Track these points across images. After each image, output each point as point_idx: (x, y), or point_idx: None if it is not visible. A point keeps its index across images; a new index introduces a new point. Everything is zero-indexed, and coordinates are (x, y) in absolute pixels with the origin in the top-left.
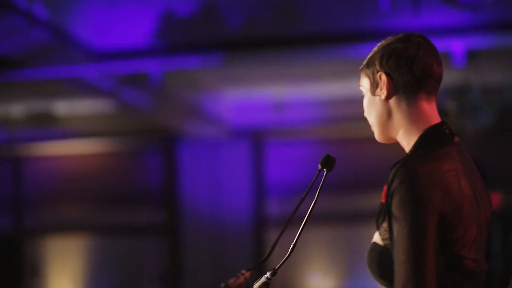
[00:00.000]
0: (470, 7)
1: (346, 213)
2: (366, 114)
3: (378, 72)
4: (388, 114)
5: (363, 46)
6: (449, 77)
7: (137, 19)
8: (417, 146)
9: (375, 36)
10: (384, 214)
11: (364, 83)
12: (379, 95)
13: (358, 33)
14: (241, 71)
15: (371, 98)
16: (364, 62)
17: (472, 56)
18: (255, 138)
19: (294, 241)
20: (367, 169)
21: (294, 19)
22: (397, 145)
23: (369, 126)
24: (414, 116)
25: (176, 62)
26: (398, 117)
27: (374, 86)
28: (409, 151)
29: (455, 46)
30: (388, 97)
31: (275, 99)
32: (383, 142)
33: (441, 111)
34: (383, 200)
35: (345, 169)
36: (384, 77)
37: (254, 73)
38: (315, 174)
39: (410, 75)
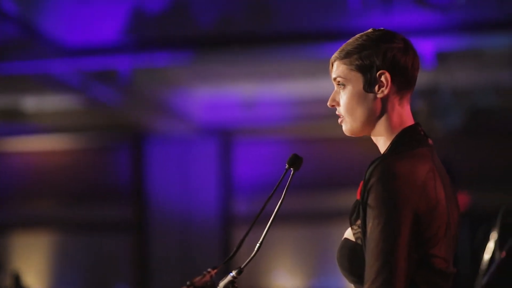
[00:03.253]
0: (440, 8)
1: (312, 213)
2: (346, 108)
3: (379, 69)
4: (379, 112)
5: (334, 45)
6: (419, 78)
7: (107, 15)
8: (393, 145)
9: (345, 35)
10: (358, 210)
11: (352, 77)
12: (375, 93)
13: (329, 32)
14: (211, 69)
15: (362, 94)
16: (351, 53)
17: (442, 57)
18: (224, 136)
19: (261, 240)
20: (336, 169)
21: (265, 18)
22: (367, 146)
23: (339, 125)
24: (398, 116)
25: (146, 58)
26: (386, 116)
27: (371, 82)
28: (385, 150)
29: (425, 47)
30: (386, 96)
31: (245, 97)
32: (353, 135)
33: (411, 112)
34: (358, 197)
35: (314, 168)
36: (388, 76)
37: (224, 71)
38: (283, 173)
39: (407, 77)
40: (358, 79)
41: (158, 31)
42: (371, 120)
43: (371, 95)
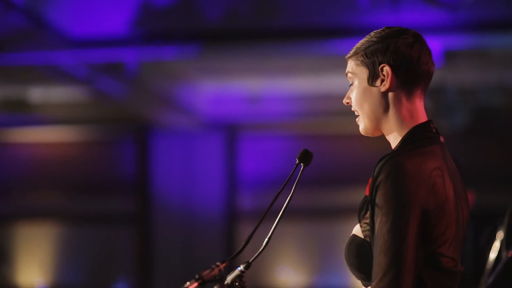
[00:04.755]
0: (449, 7)
1: (317, 209)
2: (356, 103)
3: (381, 63)
4: (385, 107)
5: (341, 41)
6: None
7: (115, 7)
8: (404, 141)
9: (353, 32)
10: (367, 207)
11: (358, 72)
12: (378, 87)
13: (337, 28)
14: (217, 63)
15: (367, 89)
16: (358, 50)
17: (449, 56)
18: (230, 130)
19: (269, 235)
20: (340, 165)
21: (272, 13)
22: (372, 142)
23: (344, 122)
24: (407, 112)
25: (153, 52)
26: (393, 111)
27: (374, 76)
28: (396, 146)
29: (433, 45)
30: (388, 90)
31: (250, 92)
32: (367, 134)
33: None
34: (367, 193)
35: (318, 164)
36: (388, 69)
37: (230, 66)
38: (288, 169)
39: (413, 71)
40: (363, 74)
41: (165, 24)
42: (378, 116)
43: (375, 89)
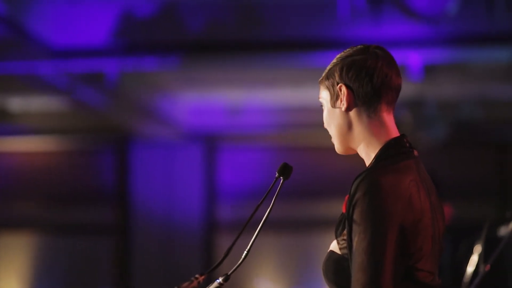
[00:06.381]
0: (429, 20)
1: (295, 221)
2: (326, 125)
3: (338, 84)
4: (348, 126)
5: (321, 54)
6: (405, 89)
7: (96, 17)
8: (378, 158)
9: (334, 45)
10: (344, 224)
11: (324, 95)
12: (339, 107)
13: (317, 41)
14: (198, 74)
15: (331, 110)
16: (324, 74)
17: (428, 69)
18: (210, 141)
19: (248, 247)
20: (320, 177)
21: (254, 25)
22: (352, 155)
23: (324, 134)
24: (374, 127)
25: (134, 62)
26: (359, 129)
27: (334, 98)
28: (370, 163)
29: (413, 59)
30: (348, 109)
31: (231, 104)
32: (342, 153)
33: (396, 123)
34: (343, 211)
35: (298, 176)
36: (344, 89)
37: (211, 77)
38: (268, 180)
39: (370, 86)
40: (328, 96)
41: (146, 35)
42: (345, 135)
43: (337, 110)
